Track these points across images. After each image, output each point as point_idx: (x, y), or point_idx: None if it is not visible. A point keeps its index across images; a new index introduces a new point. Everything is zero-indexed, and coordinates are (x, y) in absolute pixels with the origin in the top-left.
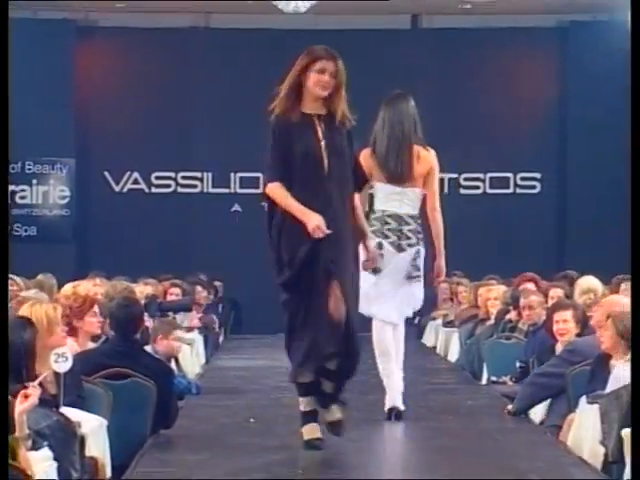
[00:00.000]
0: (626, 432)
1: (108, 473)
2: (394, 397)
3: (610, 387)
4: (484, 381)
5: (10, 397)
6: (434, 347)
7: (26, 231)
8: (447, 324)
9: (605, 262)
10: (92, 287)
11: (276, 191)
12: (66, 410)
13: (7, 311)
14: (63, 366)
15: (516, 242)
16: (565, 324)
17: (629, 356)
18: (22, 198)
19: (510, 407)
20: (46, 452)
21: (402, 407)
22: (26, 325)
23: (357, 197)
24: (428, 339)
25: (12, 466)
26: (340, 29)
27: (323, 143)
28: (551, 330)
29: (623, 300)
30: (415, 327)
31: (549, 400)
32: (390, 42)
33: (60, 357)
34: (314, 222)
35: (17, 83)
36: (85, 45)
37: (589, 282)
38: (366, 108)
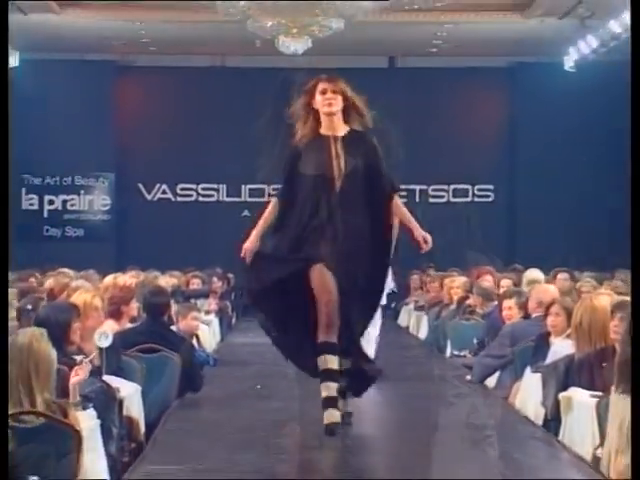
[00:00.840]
0: (562, 395)
1: (142, 429)
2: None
3: (550, 359)
4: (448, 355)
5: (60, 366)
6: (407, 327)
7: (75, 232)
8: (418, 308)
9: (548, 258)
10: (129, 278)
11: (266, 208)
12: (108, 378)
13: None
14: (104, 342)
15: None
16: (510, 310)
17: (568, 332)
18: (72, 205)
19: (469, 377)
20: (91, 412)
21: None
22: (66, 308)
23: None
24: (402, 320)
25: (64, 423)
26: (332, 67)
27: (336, 162)
28: (501, 314)
29: (550, 288)
30: (392, 310)
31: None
32: (371, 78)
33: (102, 335)
34: (244, 246)
35: (69, 112)
36: (123, 80)
37: (533, 274)
38: None
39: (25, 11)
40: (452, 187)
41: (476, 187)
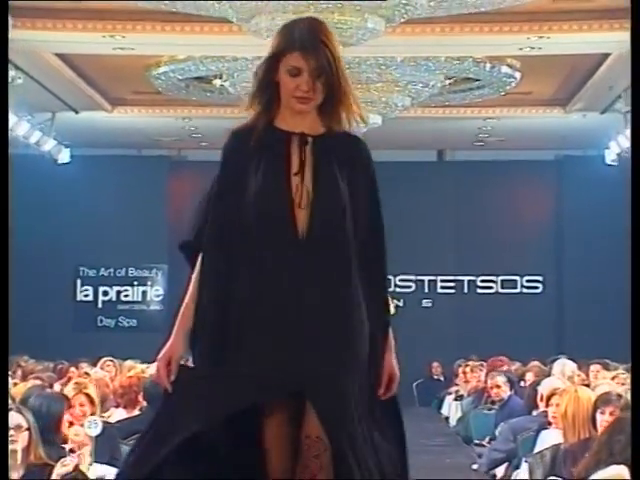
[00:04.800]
0: None
1: None
2: None
3: (537, 448)
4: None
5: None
6: (447, 417)
7: (128, 323)
8: (457, 398)
9: (595, 350)
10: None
11: (195, 272)
12: (97, 466)
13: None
14: (94, 430)
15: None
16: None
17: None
18: (125, 296)
19: (475, 466)
20: None
21: None
22: (58, 398)
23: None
24: (444, 410)
25: None
26: (383, 161)
27: (298, 181)
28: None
29: (553, 380)
30: (437, 400)
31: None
32: (421, 171)
33: (92, 423)
34: (157, 364)
35: (123, 206)
36: (176, 174)
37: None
38: (401, 230)
39: (77, 109)
40: (500, 278)
41: (524, 278)
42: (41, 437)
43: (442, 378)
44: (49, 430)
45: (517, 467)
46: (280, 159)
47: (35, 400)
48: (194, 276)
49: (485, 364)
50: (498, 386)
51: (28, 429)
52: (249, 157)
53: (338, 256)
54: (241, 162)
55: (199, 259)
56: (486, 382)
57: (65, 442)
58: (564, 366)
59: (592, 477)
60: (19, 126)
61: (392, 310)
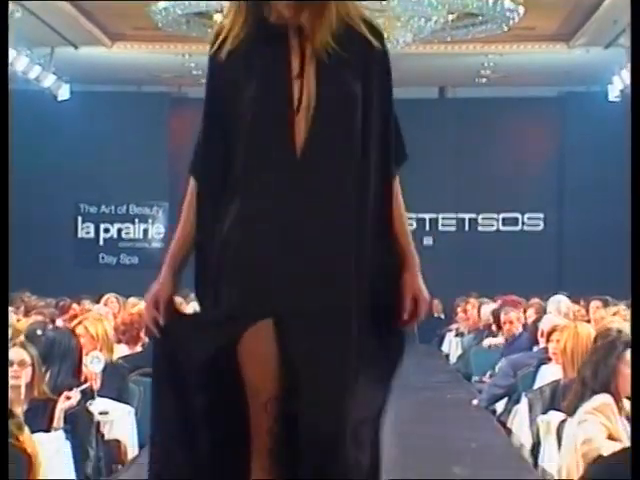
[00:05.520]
0: (541, 419)
1: (135, 452)
2: None
3: (538, 384)
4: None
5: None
6: (448, 354)
7: (129, 260)
8: (458, 335)
9: (596, 287)
10: None
11: (185, 202)
12: (100, 400)
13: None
14: (97, 366)
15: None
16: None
17: (556, 361)
18: (127, 234)
19: (475, 402)
20: (58, 434)
21: None
22: (69, 334)
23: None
24: (445, 347)
25: (13, 445)
26: None
27: (299, 85)
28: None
29: (553, 317)
30: (437, 337)
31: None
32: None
33: (95, 359)
34: (145, 305)
35: (124, 143)
36: (177, 112)
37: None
38: (401, 168)
39: (76, 45)
40: (501, 216)
41: (526, 216)
42: (60, 372)
43: (442, 316)
44: (66, 365)
45: (517, 402)
46: (276, 59)
47: (50, 335)
48: (185, 207)
49: (487, 300)
50: (511, 322)
51: (32, 365)
52: (239, 60)
53: (341, 178)
54: (230, 66)
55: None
56: (492, 318)
57: (79, 377)
58: (559, 303)
59: (580, 410)
60: (18, 61)
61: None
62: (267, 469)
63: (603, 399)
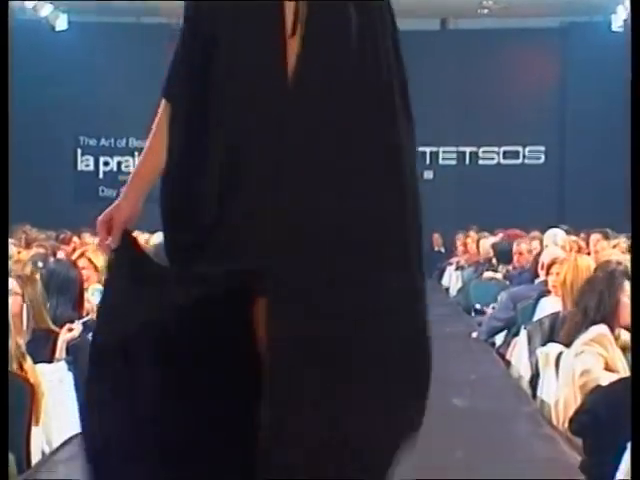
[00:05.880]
0: (540, 350)
1: None
2: None
3: (537, 316)
4: (473, 314)
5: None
6: (448, 288)
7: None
8: (458, 268)
9: (597, 220)
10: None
11: (155, 123)
12: None
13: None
14: (98, 298)
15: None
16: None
17: (555, 293)
18: (127, 167)
19: (474, 334)
20: (60, 364)
21: None
22: (70, 266)
23: None
24: (445, 281)
25: (16, 375)
26: None
27: (293, 8)
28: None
29: (553, 250)
30: (437, 270)
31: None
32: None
33: (96, 291)
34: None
35: (123, 74)
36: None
37: (551, 234)
38: None
39: None
40: (502, 149)
41: (527, 149)
42: (60, 303)
43: (443, 249)
44: (68, 297)
45: (516, 335)
46: None
47: (50, 266)
48: (155, 129)
49: (487, 234)
50: (521, 253)
51: (33, 296)
52: None
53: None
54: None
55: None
56: (492, 251)
57: (81, 309)
58: (555, 236)
59: (577, 341)
60: None
61: None
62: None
63: (599, 330)
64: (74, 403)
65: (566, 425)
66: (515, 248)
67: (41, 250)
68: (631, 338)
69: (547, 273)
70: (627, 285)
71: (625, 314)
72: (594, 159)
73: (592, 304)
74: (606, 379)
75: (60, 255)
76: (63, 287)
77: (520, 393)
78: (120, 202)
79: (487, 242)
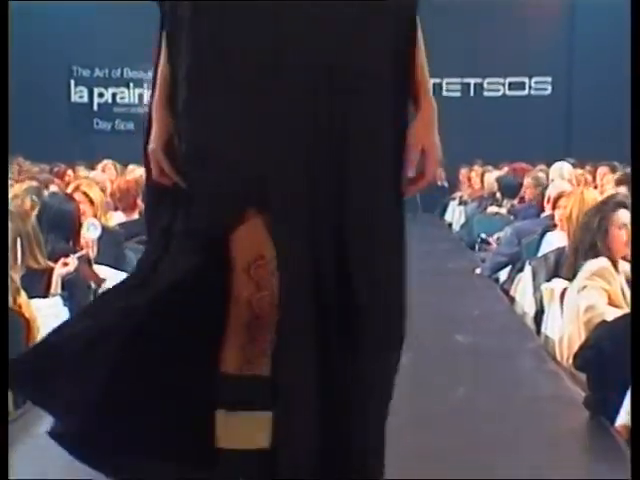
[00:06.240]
0: (545, 286)
1: None
2: None
3: (542, 251)
4: (476, 249)
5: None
6: (451, 224)
7: (125, 126)
8: (461, 203)
9: (604, 152)
10: None
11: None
12: (97, 267)
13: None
14: (93, 233)
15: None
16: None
17: (562, 227)
18: (122, 99)
19: (478, 270)
20: (57, 299)
21: None
22: (66, 199)
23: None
24: (448, 216)
25: (11, 309)
26: None
27: None
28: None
29: (560, 183)
30: (440, 206)
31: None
32: None
33: (91, 225)
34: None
35: (117, 2)
36: None
37: (557, 168)
38: None
39: None
40: (508, 80)
41: (533, 79)
42: (54, 238)
43: (446, 184)
44: (63, 231)
45: (520, 270)
46: None
47: (44, 200)
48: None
49: (491, 168)
50: (527, 187)
51: (26, 230)
52: None
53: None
54: None
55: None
56: (497, 185)
57: (76, 243)
58: (561, 170)
59: (579, 276)
60: None
61: None
62: (241, 349)
63: (600, 263)
64: None
65: (570, 361)
66: (527, 181)
67: (34, 183)
68: (631, 271)
69: (553, 207)
70: (621, 215)
71: (619, 245)
72: (602, 90)
73: (588, 237)
74: (611, 314)
75: (54, 188)
76: (57, 221)
77: (524, 329)
78: (159, 122)
79: (491, 176)
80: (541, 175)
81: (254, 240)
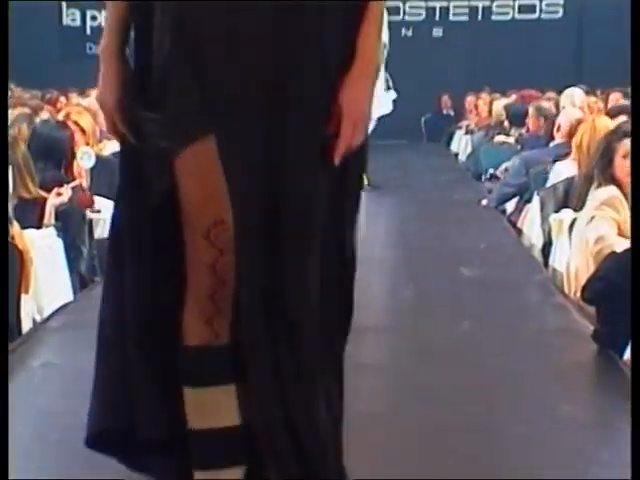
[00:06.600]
0: (553, 217)
1: None
2: None
3: (551, 182)
4: (483, 179)
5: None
6: (457, 154)
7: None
8: (468, 132)
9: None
10: None
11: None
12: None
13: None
14: (87, 162)
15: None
16: None
17: (572, 157)
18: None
19: (484, 202)
20: (49, 230)
21: None
22: (58, 127)
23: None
24: (454, 146)
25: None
26: None
27: None
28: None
29: (572, 111)
30: (445, 135)
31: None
32: None
33: (85, 154)
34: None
35: None
36: None
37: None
38: None
39: None
40: (517, 3)
41: (544, 2)
42: (47, 167)
43: (452, 112)
44: (55, 159)
45: (528, 201)
46: None
47: (35, 127)
48: None
49: (500, 96)
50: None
51: (17, 159)
52: None
53: None
54: None
55: None
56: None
57: (69, 173)
58: (572, 96)
59: (588, 205)
60: None
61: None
62: (204, 322)
63: (609, 192)
64: (65, 271)
65: (578, 294)
66: (531, 110)
67: (26, 110)
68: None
69: (563, 136)
70: (627, 144)
71: (625, 174)
72: (615, 13)
73: (599, 166)
74: (621, 245)
75: (45, 116)
76: (49, 149)
77: (531, 262)
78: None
79: (500, 104)
80: (545, 104)
81: (211, 199)
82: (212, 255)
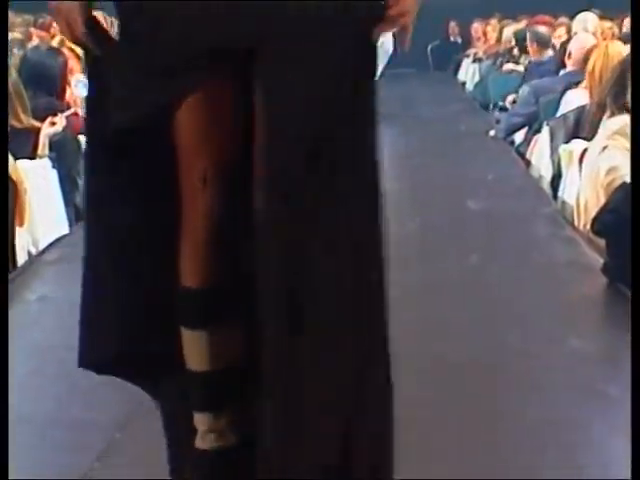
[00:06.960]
0: (563, 147)
1: None
2: None
3: (561, 111)
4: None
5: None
6: (464, 83)
7: None
8: (476, 60)
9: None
10: None
11: None
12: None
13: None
14: (82, 91)
15: None
16: None
17: (584, 85)
18: None
19: (492, 132)
20: (44, 162)
21: None
22: (51, 54)
23: None
24: (462, 75)
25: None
26: None
27: None
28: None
29: (584, 37)
30: (453, 64)
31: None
32: None
33: (79, 82)
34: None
35: None
36: None
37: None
38: None
39: None
40: None
41: None
42: (39, 95)
43: (459, 40)
44: (46, 87)
45: (537, 131)
46: None
47: (27, 53)
48: None
49: (510, 21)
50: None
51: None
52: None
53: None
54: None
55: None
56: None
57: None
58: (585, 22)
59: (600, 134)
60: None
61: None
62: (199, 271)
63: (623, 120)
64: (60, 203)
65: (588, 226)
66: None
67: (18, 35)
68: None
69: (574, 63)
70: None
71: None
72: None
73: (610, 93)
74: None
75: (37, 41)
76: (40, 76)
77: (540, 194)
78: None
79: (509, 30)
80: (541, 29)
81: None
82: (205, 200)
